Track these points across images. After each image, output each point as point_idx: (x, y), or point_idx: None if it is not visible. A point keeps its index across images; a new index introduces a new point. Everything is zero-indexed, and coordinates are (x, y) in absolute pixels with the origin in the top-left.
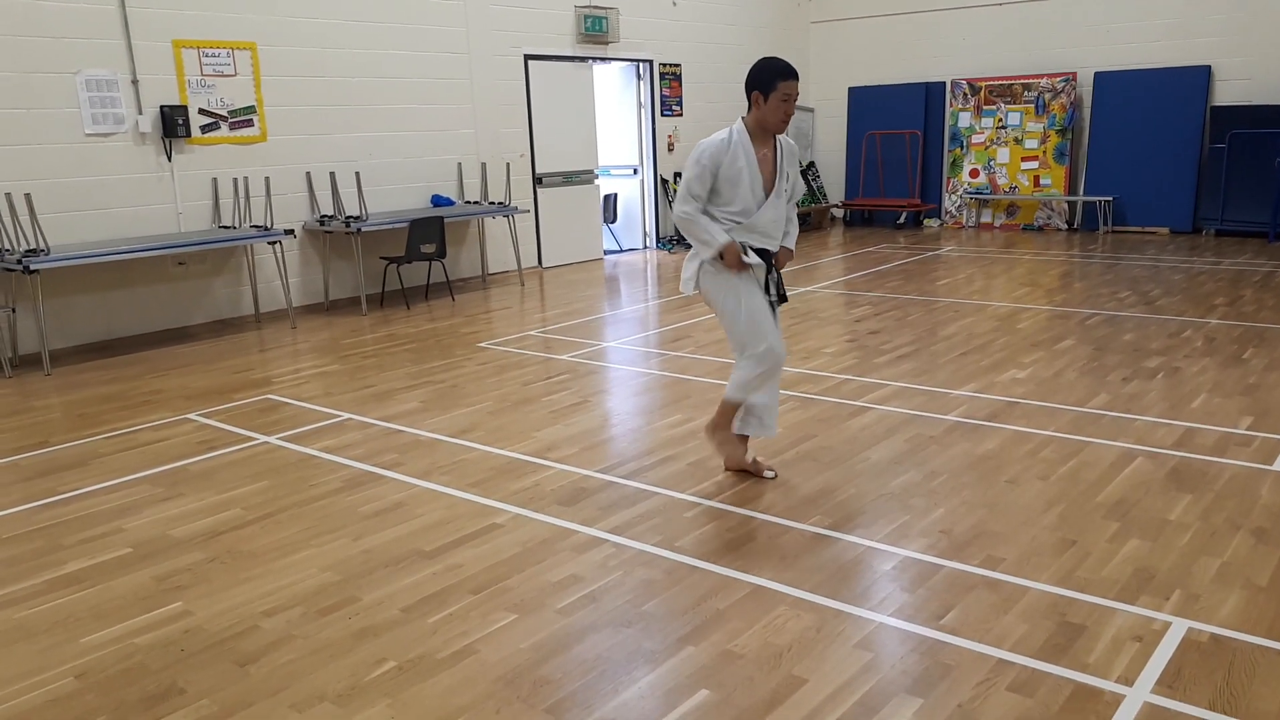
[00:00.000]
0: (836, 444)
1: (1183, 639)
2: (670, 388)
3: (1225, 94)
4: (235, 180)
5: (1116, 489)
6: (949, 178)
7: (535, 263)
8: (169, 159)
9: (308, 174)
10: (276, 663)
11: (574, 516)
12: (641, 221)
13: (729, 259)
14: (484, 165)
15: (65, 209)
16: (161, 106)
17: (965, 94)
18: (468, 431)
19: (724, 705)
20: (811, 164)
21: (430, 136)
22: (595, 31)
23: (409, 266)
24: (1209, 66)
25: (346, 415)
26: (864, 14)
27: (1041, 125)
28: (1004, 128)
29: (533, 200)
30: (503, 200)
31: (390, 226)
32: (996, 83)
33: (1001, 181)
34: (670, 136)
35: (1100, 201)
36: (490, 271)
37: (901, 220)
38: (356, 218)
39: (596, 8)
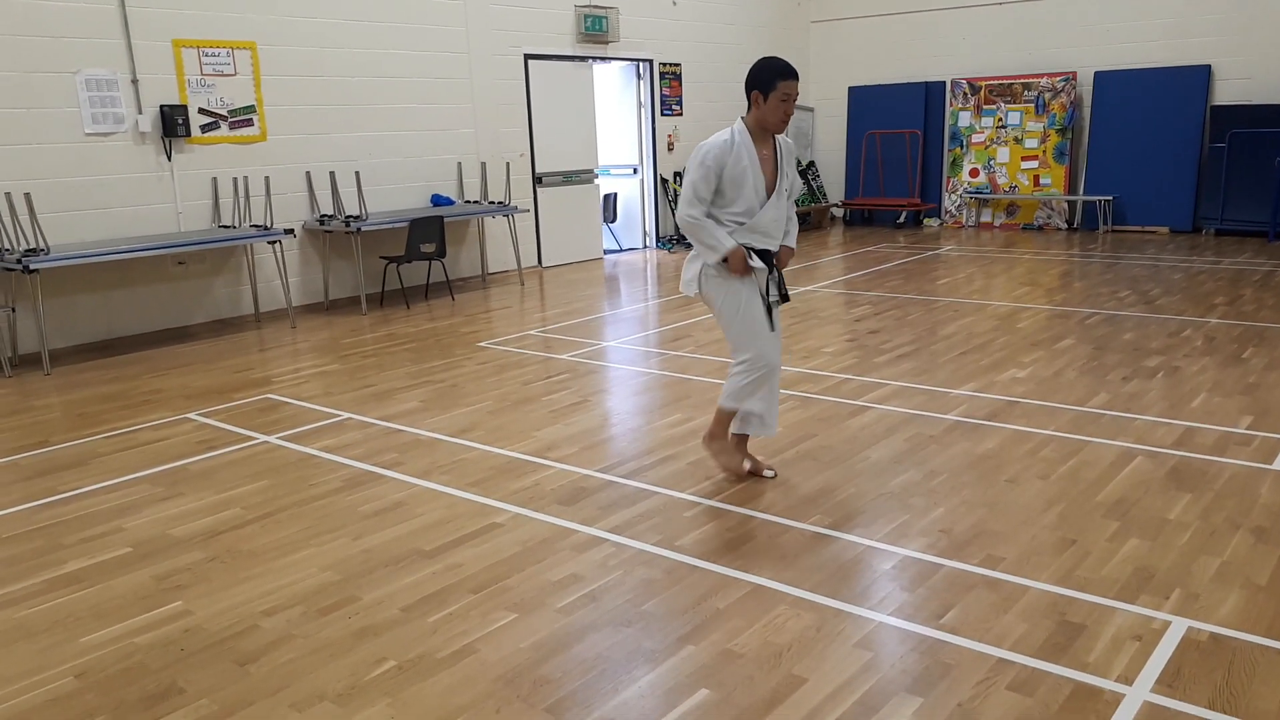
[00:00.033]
0: (836, 443)
1: (1182, 638)
2: (670, 387)
3: (1225, 93)
4: (235, 180)
5: (1116, 488)
6: (949, 177)
7: (535, 262)
8: (169, 158)
9: (307, 173)
10: (276, 662)
11: (574, 516)
12: (641, 221)
13: (734, 264)
14: (484, 165)
15: (65, 209)
16: (161, 106)
17: (965, 93)
18: (467, 431)
19: (724, 704)
20: (811, 163)
21: (430, 136)
22: (595, 31)
23: (409, 266)
24: (1209, 66)
25: (346, 415)
26: (863, 13)
27: (1041, 125)
28: (1004, 127)
29: (532, 200)
30: (502, 200)
31: (390, 226)
32: (996, 82)
33: (1001, 181)
34: (670, 136)
35: (1100, 201)
36: (490, 271)
37: (901, 220)
38: (356, 217)
39: (596, 7)
